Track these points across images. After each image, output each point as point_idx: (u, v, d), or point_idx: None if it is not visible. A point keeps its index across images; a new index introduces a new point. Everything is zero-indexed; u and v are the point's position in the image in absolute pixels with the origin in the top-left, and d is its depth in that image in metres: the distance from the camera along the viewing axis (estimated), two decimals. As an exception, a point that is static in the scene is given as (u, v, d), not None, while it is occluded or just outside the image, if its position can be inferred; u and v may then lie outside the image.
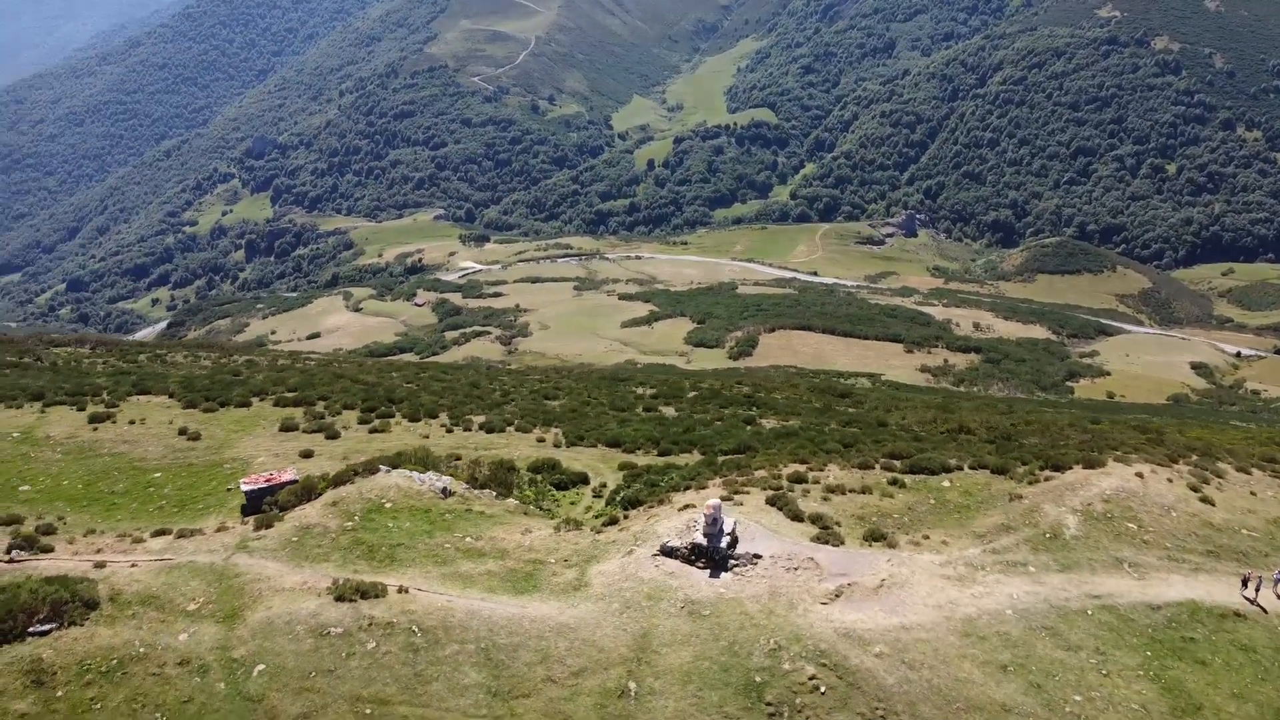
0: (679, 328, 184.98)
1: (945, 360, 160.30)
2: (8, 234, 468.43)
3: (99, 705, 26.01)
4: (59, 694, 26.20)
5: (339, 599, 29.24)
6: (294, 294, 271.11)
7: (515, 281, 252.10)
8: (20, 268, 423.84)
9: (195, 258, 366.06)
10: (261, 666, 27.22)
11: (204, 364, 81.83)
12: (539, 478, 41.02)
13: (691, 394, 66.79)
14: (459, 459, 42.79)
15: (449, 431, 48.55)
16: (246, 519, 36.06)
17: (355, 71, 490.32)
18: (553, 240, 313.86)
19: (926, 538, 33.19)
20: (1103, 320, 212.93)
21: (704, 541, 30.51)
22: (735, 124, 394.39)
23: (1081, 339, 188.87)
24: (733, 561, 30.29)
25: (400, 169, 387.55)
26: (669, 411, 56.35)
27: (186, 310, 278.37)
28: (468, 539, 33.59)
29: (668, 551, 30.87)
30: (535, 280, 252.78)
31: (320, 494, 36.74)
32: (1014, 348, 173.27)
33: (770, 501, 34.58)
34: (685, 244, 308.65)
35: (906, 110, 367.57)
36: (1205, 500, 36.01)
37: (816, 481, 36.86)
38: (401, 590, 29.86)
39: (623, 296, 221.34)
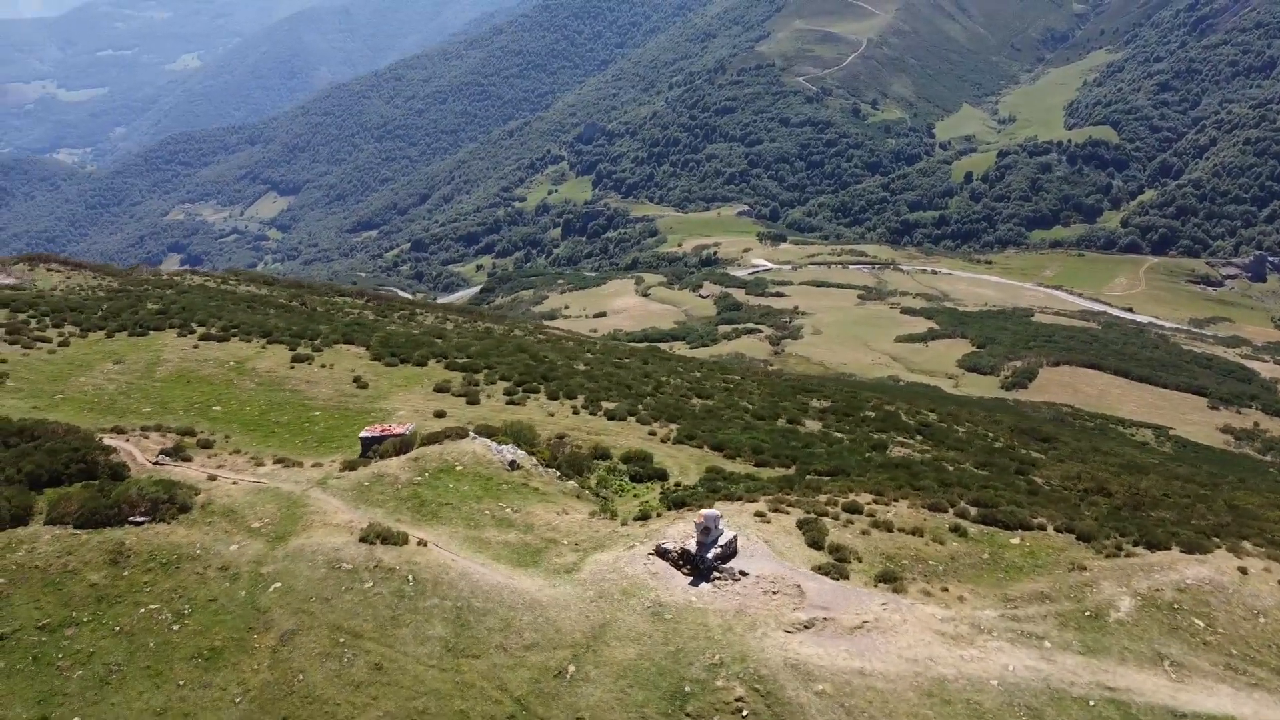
0: (955, 349, 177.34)
1: (1256, 424, 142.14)
2: (373, 195, 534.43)
3: (149, 589, 31.02)
4: (125, 574, 31.50)
5: (362, 540, 32.63)
6: (593, 274, 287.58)
7: (800, 284, 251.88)
8: (378, 225, 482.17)
9: (518, 231, 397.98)
10: (278, 584, 31.11)
11: (445, 325, 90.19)
12: (624, 467, 42.43)
13: (869, 413, 64.93)
14: (562, 438, 45.16)
15: (575, 413, 51.08)
16: (344, 461, 40.53)
17: (686, 66, 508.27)
18: (849, 246, 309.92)
19: (945, 590, 31.05)
20: None
21: (694, 549, 30.75)
22: (1070, 141, 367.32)
23: None
24: (716, 574, 30.29)
25: (714, 163, 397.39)
26: (811, 425, 55.42)
27: (499, 278, 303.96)
28: (508, 510, 35.89)
29: (661, 553, 31.41)
30: (820, 284, 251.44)
31: (413, 449, 40.53)
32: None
33: (800, 524, 33.85)
34: (989, 263, 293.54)
35: (1278, 138, 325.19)
36: (1315, 612, 30.70)
37: (871, 515, 35.43)
38: (421, 543, 32.72)
39: (904, 310, 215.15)
